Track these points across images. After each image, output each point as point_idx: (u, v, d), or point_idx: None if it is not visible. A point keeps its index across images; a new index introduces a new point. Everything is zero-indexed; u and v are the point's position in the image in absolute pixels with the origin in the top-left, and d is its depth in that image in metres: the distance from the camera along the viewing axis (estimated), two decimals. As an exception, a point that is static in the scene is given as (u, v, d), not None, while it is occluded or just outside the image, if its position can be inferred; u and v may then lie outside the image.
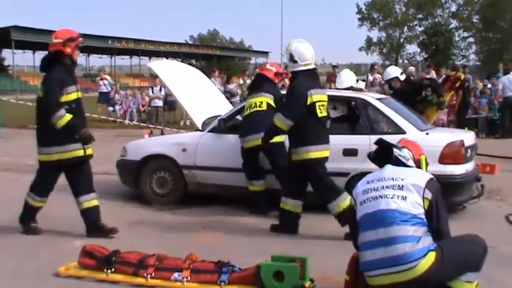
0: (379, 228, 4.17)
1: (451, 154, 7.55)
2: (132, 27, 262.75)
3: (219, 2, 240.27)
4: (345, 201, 6.64)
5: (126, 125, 22.56)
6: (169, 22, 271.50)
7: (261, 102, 8.04)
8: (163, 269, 5.28)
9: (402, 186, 4.26)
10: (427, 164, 4.82)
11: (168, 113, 24.35)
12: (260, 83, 8.38)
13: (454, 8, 72.05)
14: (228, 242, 6.69)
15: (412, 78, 13.94)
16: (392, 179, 4.34)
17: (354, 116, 8.41)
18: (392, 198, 4.22)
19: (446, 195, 7.52)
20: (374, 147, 7.34)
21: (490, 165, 8.91)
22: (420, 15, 73.15)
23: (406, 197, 4.21)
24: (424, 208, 4.22)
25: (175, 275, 5.19)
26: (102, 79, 26.31)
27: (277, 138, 7.32)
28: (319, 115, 6.82)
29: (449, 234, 4.43)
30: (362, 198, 4.40)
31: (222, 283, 5.03)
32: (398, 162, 4.56)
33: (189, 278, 5.14)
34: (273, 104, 8.00)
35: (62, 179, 10.71)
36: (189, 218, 7.80)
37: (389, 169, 4.49)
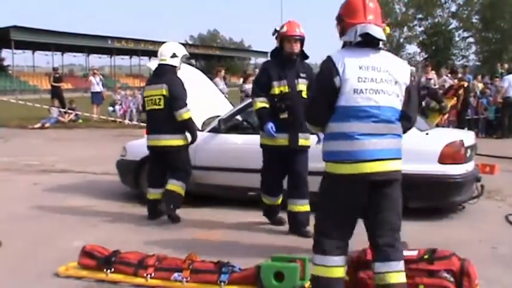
0: (379, 123, 4.20)
1: (451, 154, 7.55)
2: (131, 27, 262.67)
3: (219, 2, 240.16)
4: None
5: (126, 124, 22.57)
6: (169, 22, 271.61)
7: None
8: (163, 269, 5.28)
9: (396, 82, 4.27)
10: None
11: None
12: None
13: (453, 8, 71.96)
14: (227, 242, 6.68)
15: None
16: (387, 71, 4.26)
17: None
18: (390, 95, 4.25)
19: (446, 196, 7.62)
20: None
21: (489, 165, 8.91)
22: (420, 15, 73.04)
23: (398, 94, 4.29)
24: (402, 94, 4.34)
25: (175, 275, 5.19)
26: (94, 74, 26.35)
27: None
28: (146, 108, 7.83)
29: (416, 119, 4.59)
30: (358, 86, 4.19)
31: (222, 283, 5.02)
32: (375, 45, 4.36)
33: (188, 278, 5.13)
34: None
35: (61, 180, 10.77)
36: (189, 218, 7.79)
37: (378, 57, 4.32)
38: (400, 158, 4.35)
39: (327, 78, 4.22)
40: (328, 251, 4.25)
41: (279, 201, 7.22)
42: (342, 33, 4.44)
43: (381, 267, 4.21)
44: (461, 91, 16.99)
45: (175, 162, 7.70)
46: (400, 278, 4.18)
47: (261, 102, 6.80)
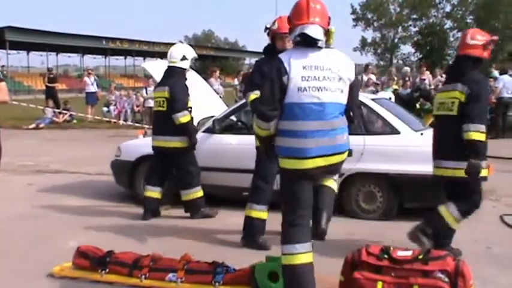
0: (323, 119, 4.49)
1: (446, 154, 7.54)
2: (126, 28, 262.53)
3: (213, 2, 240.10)
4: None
5: (120, 125, 22.54)
6: (164, 22, 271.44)
7: None
8: (158, 269, 5.27)
9: (340, 78, 4.56)
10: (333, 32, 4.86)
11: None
12: None
13: (448, 9, 72.32)
14: (222, 243, 6.68)
15: (402, 93, 13.97)
16: (330, 69, 4.53)
17: (347, 116, 8.40)
18: (334, 91, 4.53)
19: (441, 196, 7.61)
20: (368, 147, 7.33)
21: (484, 165, 8.90)
22: (414, 16, 73.35)
23: (343, 90, 4.59)
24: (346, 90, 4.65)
25: (170, 275, 5.19)
26: (88, 74, 26.33)
27: None
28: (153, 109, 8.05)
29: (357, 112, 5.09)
30: (302, 84, 4.48)
31: (217, 283, 5.02)
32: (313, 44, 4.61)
33: (183, 278, 5.13)
34: None
35: (56, 180, 10.74)
36: (184, 219, 7.79)
37: (321, 56, 4.58)
38: (343, 152, 4.66)
39: (276, 76, 4.52)
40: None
41: None
42: (290, 33, 4.79)
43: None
44: None
45: (178, 164, 7.81)
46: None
47: (255, 94, 6.70)
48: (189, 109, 7.67)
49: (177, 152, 7.71)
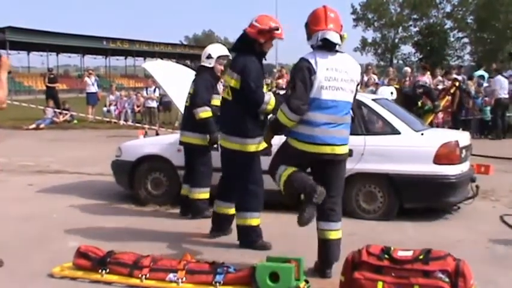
0: (337, 114, 5.22)
1: (446, 154, 7.55)
2: (126, 28, 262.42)
3: (214, 2, 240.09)
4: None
5: (121, 125, 22.54)
6: (164, 23, 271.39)
7: None
8: (158, 269, 5.27)
9: (352, 80, 5.30)
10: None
11: (163, 114, 24.35)
12: None
13: (448, 9, 72.21)
14: (223, 243, 6.67)
15: (405, 89, 13.96)
16: (346, 72, 5.26)
17: None
18: (347, 92, 5.26)
19: (441, 196, 7.63)
20: (368, 148, 7.36)
21: (484, 165, 8.91)
22: (415, 16, 73.27)
23: (352, 90, 5.33)
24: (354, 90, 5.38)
25: (170, 275, 5.18)
26: (89, 75, 26.34)
27: None
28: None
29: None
30: (324, 83, 5.16)
31: (217, 284, 5.02)
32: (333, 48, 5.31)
33: (184, 278, 5.12)
34: None
35: (56, 181, 10.74)
36: (184, 219, 7.79)
37: (339, 59, 5.30)
38: (347, 144, 5.39)
39: (307, 75, 5.15)
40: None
41: None
42: (308, 38, 5.42)
43: (323, 226, 5.44)
44: (453, 89, 17.04)
45: (192, 161, 7.86)
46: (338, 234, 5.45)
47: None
48: (213, 107, 7.60)
49: (194, 149, 7.78)
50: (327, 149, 5.20)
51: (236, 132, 6.19)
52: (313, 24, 5.34)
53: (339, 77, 5.20)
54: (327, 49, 5.25)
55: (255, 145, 6.22)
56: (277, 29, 6.20)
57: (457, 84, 17.29)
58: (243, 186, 6.29)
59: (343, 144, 5.32)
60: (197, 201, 7.79)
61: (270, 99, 6.17)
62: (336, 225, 5.45)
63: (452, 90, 17.11)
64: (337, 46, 5.28)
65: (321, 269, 5.40)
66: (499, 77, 19.12)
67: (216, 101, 7.50)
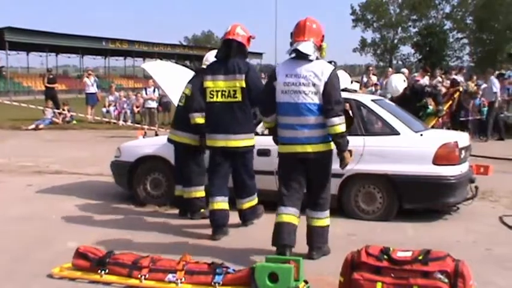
0: (298, 116, 5.76)
1: (445, 155, 7.55)
2: (126, 29, 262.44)
3: (213, 3, 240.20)
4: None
5: (120, 126, 22.53)
6: (163, 23, 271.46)
7: None
8: (157, 270, 5.27)
9: (314, 84, 5.70)
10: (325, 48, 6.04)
11: (163, 114, 24.35)
12: None
13: (448, 9, 72.30)
14: (222, 243, 6.68)
15: (413, 85, 13.93)
16: (305, 77, 5.73)
17: (347, 117, 8.40)
18: (307, 94, 5.72)
19: (440, 197, 7.63)
20: (368, 148, 7.35)
21: (483, 166, 8.90)
22: (414, 17, 73.34)
23: (316, 92, 5.71)
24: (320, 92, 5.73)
25: (169, 276, 5.18)
26: (88, 75, 26.33)
27: None
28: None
29: (335, 106, 5.76)
30: (283, 88, 5.80)
31: (216, 284, 5.02)
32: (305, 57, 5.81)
33: (183, 279, 5.13)
34: None
35: (55, 181, 10.74)
36: (183, 219, 7.79)
37: (304, 66, 5.79)
38: (315, 143, 5.79)
39: (270, 81, 5.94)
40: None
41: None
42: (290, 45, 5.96)
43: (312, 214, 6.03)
44: (457, 95, 17.12)
45: (186, 160, 7.84)
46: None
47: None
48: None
49: (186, 148, 7.75)
50: (298, 148, 5.81)
51: (245, 130, 6.95)
52: (294, 34, 5.94)
53: (297, 81, 5.75)
54: (301, 58, 5.82)
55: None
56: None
57: (460, 89, 17.33)
58: (250, 176, 7.19)
59: (312, 143, 5.77)
60: (194, 199, 7.79)
61: None
62: (321, 214, 6.02)
63: (456, 96, 17.16)
64: (309, 56, 5.77)
65: (309, 251, 6.03)
66: (492, 77, 19.19)
67: None
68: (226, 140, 6.83)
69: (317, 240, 6.02)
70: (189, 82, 7.86)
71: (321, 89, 5.67)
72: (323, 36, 5.95)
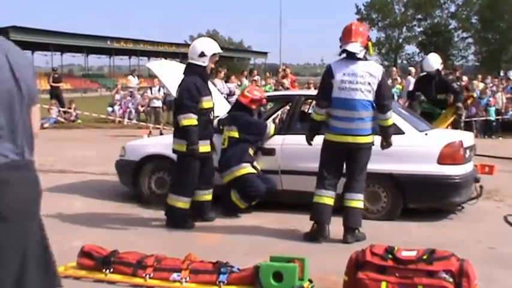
0: (352, 110, 6.48)
1: (450, 155, 7.55)
2: (131, 28, 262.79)
3: (218, 2, 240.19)
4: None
5: (125, 125, 22.55)
6: (169, 23, 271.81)
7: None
8: (162, 269, 5.27)
9: (369, 83, 6.46)
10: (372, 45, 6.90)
11: (168, 113, 24.34)
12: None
13: (453, 9, 72.11)
14: (226, 243, 6.68)
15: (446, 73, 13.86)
16: (362, 76, 6.45)
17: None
18: (363, 92, 6.44)
19: (445, 196, 7.62)
20: (373, 147, 7.35)
21: (488, 165, 8.90)
22: (419, 16, 73.17)
23: (370, 90, 6.46)
24: (374, 90, 6.49)
25: (174, 275, 5.19)
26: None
27: None
28: None
29: (389, 103, 6.76)
30: (340, 85, 6.48)
31: (221, 283, 5.02)
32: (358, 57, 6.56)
33: (187, 278, 5.13)
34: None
35: (60, 180, 10.75)
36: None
37: (357, 66, 6.51)
38: (365, 135, 6.56)
39: (327, 78, 6.60)
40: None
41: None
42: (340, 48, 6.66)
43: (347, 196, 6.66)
44: (470, 101, 17.15)
45: (176, 167, 7.61)
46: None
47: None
48: (203, 110, 7.29)
49: (178, 156, 7.46)
50: (349, 138, 6.50)
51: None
52: (343, 37, 6.62)
53: (354, 79, 6.44)
54: (351, 58, 6.53)
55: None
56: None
57: (474, 95, 17.35)
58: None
59: (362, 135, 6.52)
60: (175, 208, 7.38)
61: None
62: (357, 196, 6.65)
63: (469, 101, 17.17)
64: (357, 55, 6.51)
65: (344, 235, 6.57)
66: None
67: (207, 103, 7.35)
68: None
69: (350, 220, 6.60)
70: (179, 86, 7.44)
71: (375, 87, 6.46)
72: (368, 36, 6.72)
